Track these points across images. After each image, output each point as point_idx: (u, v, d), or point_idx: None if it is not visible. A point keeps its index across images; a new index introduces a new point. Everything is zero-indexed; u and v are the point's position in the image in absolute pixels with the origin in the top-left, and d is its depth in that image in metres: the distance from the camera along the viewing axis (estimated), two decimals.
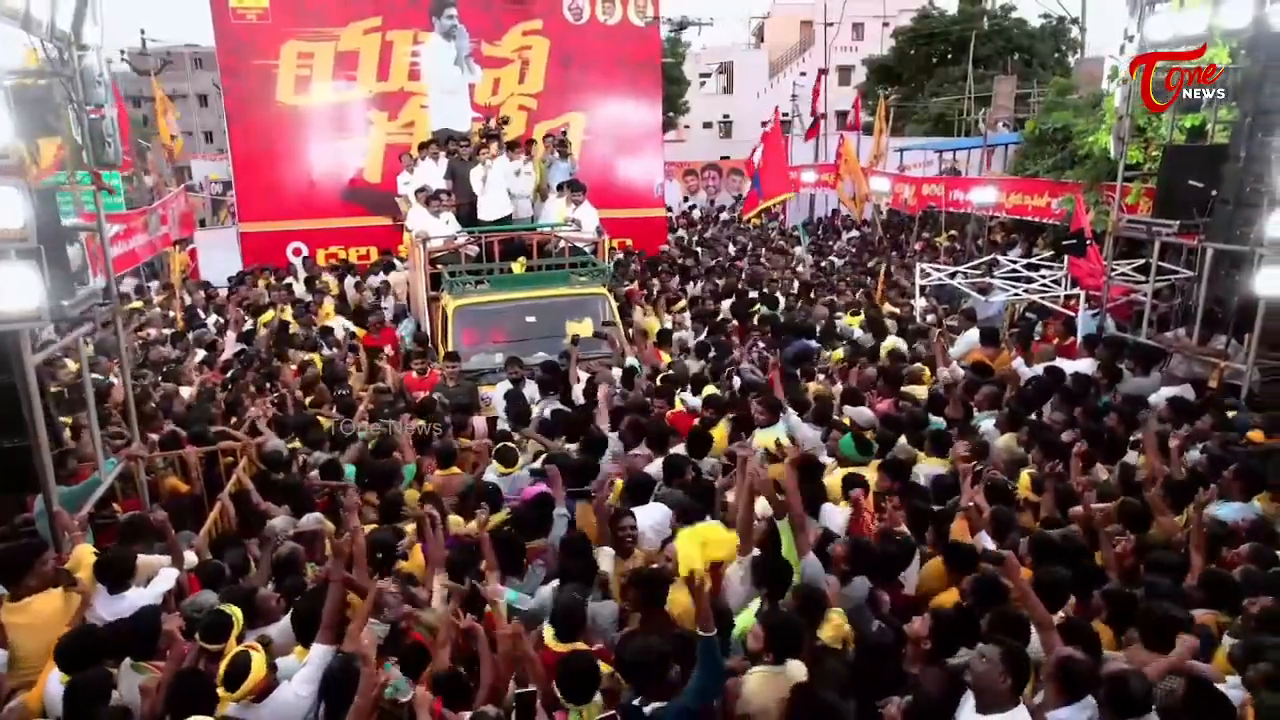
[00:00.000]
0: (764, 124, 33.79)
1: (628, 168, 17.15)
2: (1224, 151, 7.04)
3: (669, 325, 9.58)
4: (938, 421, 6.23)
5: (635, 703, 3.20)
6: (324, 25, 14.84)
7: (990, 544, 4.49)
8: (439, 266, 9.14)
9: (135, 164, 14.89)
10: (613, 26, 16.29)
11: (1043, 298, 8.97)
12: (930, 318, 10.04)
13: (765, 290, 11.31)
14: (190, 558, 4.56)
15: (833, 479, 5.05)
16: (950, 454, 5.39)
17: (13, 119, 4.51)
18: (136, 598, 4.09)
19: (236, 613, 3.75)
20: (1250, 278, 6.39)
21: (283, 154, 15.10)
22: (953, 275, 10.51)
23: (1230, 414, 6.25)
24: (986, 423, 6.23)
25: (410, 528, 4.95)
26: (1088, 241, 7.84)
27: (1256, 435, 5.87)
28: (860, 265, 14.10)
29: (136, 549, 4.44)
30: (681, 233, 20.12)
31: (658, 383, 6.93)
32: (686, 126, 45.32)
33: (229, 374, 8.43)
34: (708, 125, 46.26)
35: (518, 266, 9.20)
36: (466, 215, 10.05)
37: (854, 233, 17.82)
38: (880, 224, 17.10)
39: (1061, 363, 7.39)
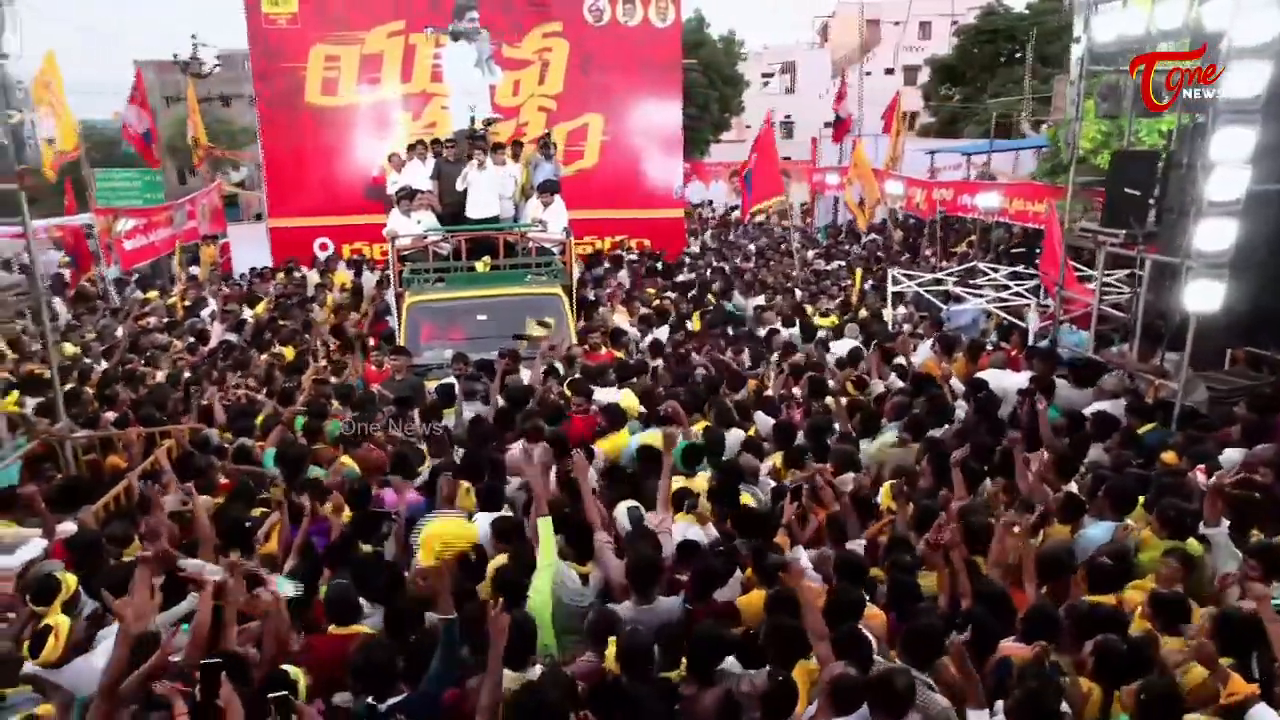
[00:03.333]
0: (826, 124, 33.39)
1: (647, 168, 17.24)
2: (1169, 158, 6.69)
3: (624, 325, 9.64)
4: None
5: (370, 701, 3.32)
6: (350, 29, 15.45)
7: (802, 555, 4.48)
8: (406, 265, 9.47)
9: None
10: (633, 28, 16.41)
11: (1008, 307, 8.68)
12: (907, 326, 9.85)
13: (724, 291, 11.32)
14: (68, 528, 4.94)
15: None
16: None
17: None
18: None
19: (69, 580, 4.06)
20: (1180, 291, 6.09)
21: (310, 153, 15.76)
22: (938, 283, 10.25)
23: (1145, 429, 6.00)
24: (891, 433, 6.12)
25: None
26: (1037, 250, 7.57)
27: (1170, 457, 5.60)
28: (868, 270, 13.83)
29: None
30: (708, 235, 20.11)
31: (565, 385, 6.98)
32: (748, 127, 45.04)
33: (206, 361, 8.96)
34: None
35: (481, 265, 9.45)
36: (453, 215, 10.37)
37: (873, 236, 17.46)
38: (899, 228, 16.70)
39: (999, 374, 7.17)
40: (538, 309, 8.82)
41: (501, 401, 7.05)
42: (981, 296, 8.98)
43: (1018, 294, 8.92)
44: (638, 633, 3.63)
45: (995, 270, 10.00)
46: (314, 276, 13.57)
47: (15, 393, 7.66)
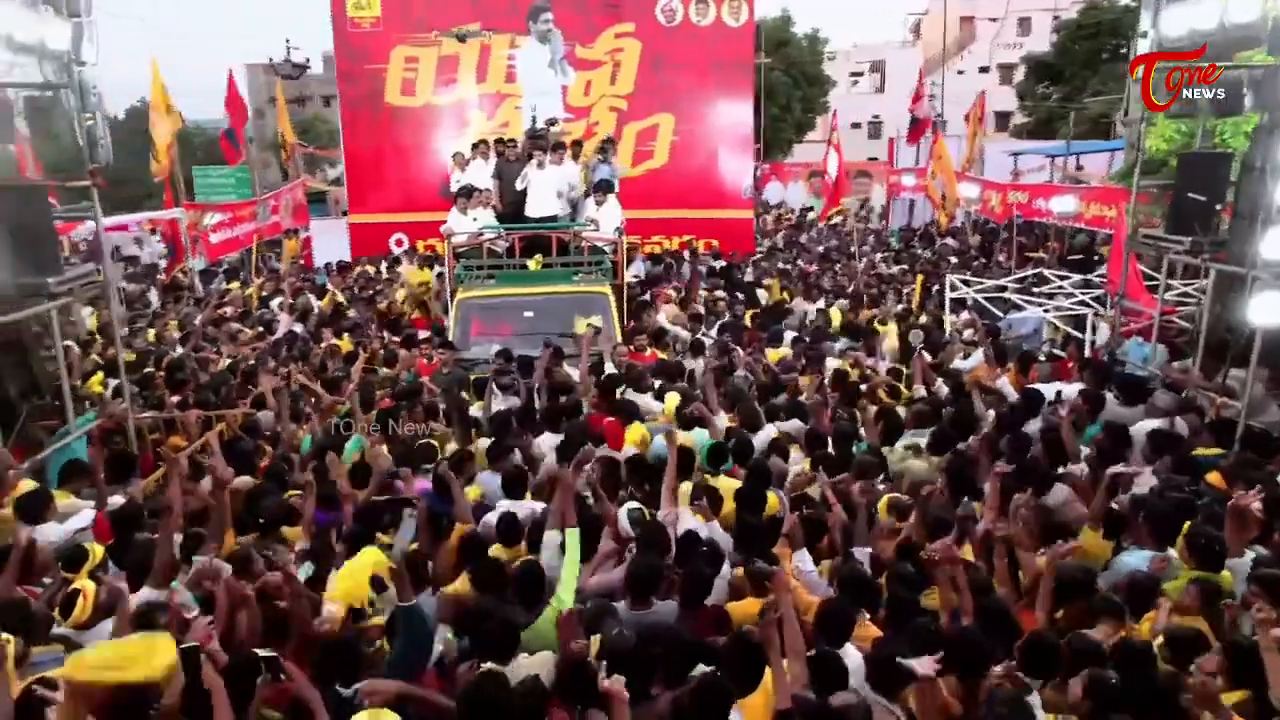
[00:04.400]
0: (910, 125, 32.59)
1: (716, 168, 17.14)
2: (1243, 161, 6.24)
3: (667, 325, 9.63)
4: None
5: (337, 688, 3.45)
6: (429, 30, 15.93)
7: (808, 564, 4.40)
8: (460, 261, 9.73)
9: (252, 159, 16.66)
10: (705, 28, 16.35)
11: (1072, 316, 8.27)
12: (968, 332, 9.52)
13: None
14: (116, 500, 5.30)
15: (684, 487, 5.05)
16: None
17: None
18: (49, 530, 4.84)
19: (96, 550, 4.37)
20: (1246, 303, 5.69)
21: (389, 152, 16.32)
22: (1001, 289, 9.87)
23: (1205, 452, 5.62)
24: (908, 439, 5.95)
25: None
26: (1096, 256, 7.19)
27: (1215, 479, 5.24)
28: (934, 274, 13.40)
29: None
30: (779, 237, 19.88)
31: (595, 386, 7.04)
32: (834, 128, 44.28)
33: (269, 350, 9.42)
34: (856, 126, 44.92)
35: (533, 263, 9.61)
36: (513, 214, 10.59)
37: (948, 240, 16.85)
38: (977, 231, 16.08)
39: (1045, 387, 6.85)
40: (585, 307, 8.91)
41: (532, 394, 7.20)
42: (1043, 305, 8.58)
43: (1082, 303, 8.48)
44: (622, 635, 3.65)
45: (1066, 277, 9.53)
46: (385, 271, 14.09)
47: (100, 374, 8.28)
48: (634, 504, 4.73)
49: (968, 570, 4.26)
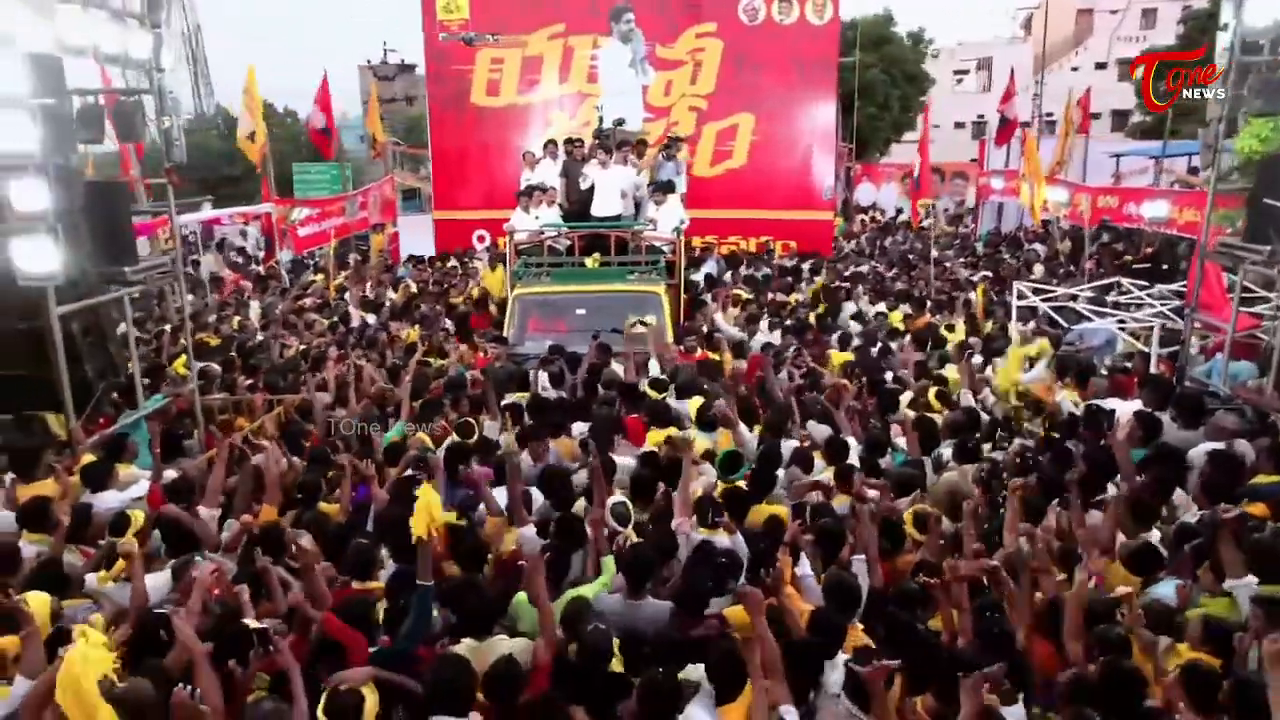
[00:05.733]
0: (1024, 124, 31.20)
1: (796, 169, 16.90)
2: None
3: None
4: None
5: None
6: (514, 32, 16.33)
7: (808, 569, 4.35)
8: (520, 258, 9.99)
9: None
10: (788, 26, 16.14)
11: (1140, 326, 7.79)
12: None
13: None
14: (169, 474, 5.74)
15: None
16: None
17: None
18: (110, 498, 5.29)
19: (137, 515, 4.75)
20: None
21: (473, 150, 16.84)
22: (1072, 298, 9.41)
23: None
24: (946, 451, 5.77)
25: None
26: (1164, 266, 6.73)
27: (1257, 509, 4.86)
28: (1001, 280, 12.81)
29: None
30: (864, 238, 19.47)
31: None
32: (936, 126, 42.78)
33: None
34: (959, 125, 43.31)
35: (591, 261, 9.76)
36: (578, 213, 10.79)
37: (1035, 246, 16.06)
38: (1067, 237, 15.25)
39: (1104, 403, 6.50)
40: (637, 307, 8.97)
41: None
42: (1115, 315, 8.10)
43: (1161, 314, 7.96)
44: (599, 630, 3.73)
45: (1146, 287, 8.95)
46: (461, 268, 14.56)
47: (184, 357, 8.92)
48: (619, 498, 4.77)
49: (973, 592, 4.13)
